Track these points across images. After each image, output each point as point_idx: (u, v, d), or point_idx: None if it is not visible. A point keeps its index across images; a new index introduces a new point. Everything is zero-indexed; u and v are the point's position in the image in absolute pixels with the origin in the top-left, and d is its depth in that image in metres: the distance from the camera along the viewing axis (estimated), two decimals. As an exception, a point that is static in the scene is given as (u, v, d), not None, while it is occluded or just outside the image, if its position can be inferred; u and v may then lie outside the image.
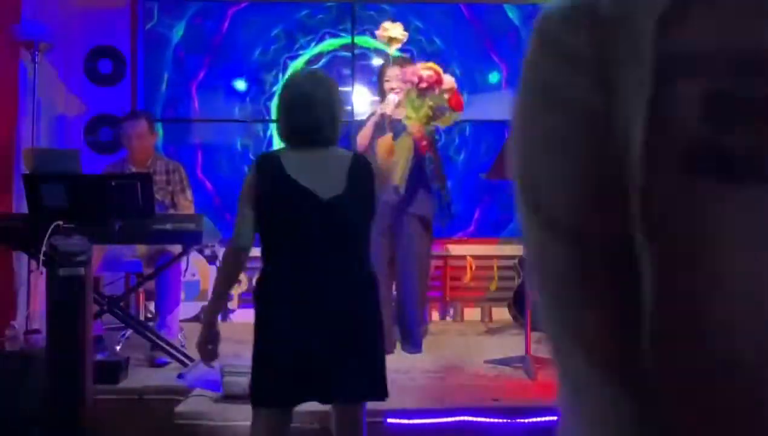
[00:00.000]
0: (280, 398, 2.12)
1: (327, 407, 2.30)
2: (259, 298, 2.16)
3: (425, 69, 3.68)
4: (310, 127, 2.13)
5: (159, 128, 5.56)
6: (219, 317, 2.34)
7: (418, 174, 4.02)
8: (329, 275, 2.09)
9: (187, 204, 4.21)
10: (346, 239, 2.13)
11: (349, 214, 2.12)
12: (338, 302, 2.09)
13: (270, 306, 2.12)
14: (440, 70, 3.75)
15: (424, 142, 3.89)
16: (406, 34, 3.91)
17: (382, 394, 2.17)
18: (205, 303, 5.35)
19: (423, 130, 3.79)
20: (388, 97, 3.92)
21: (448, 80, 3.75)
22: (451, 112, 3.77)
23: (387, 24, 3.87)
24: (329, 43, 5.66)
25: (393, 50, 3.98)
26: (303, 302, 2.07)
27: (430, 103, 3.68)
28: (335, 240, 2.11)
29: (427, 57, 5.63)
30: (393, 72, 3.96)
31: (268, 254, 2.14)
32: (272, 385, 2.10)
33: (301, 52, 5.67)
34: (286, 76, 2.29)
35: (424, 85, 3.62)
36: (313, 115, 2.12)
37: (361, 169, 2.17)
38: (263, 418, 2.15)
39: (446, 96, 3.71)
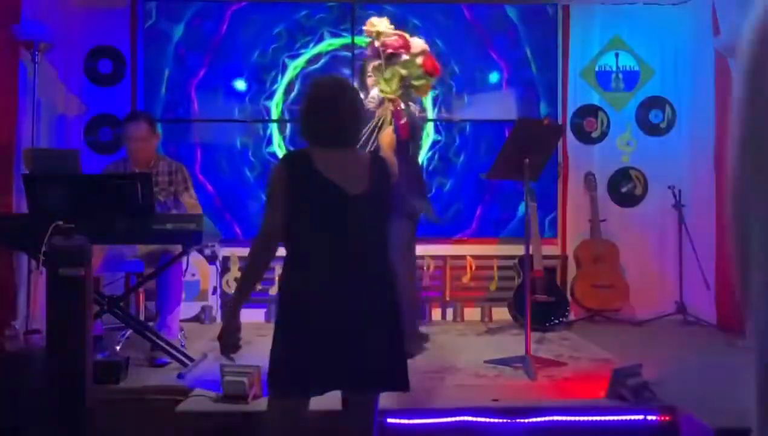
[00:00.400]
0: (306, 387, 2.15)
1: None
2: (285, 289, 2.20)
3: (388, 36, 3.56)
4: (336, 129, 2.25)
5: (159, 129, 5.57)
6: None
7: (398, 164, 3.89)
8: (356, 267, 2.18)
9: (192, 202, 4.20)
10: (370, 233, 2.23)
11: (374, 210, 2.24)
12: (364, 294, 2.17)
13: (298, 297, 2.16)
14: (406, 35, 3.61)
15: (403, 121, 3.67)
16: (392, 27, 3.79)
17: (404, 385, 2.23)
18: (206, 303, 5.39)
19: (400, 104, 3.60)
20: (372, 92, 3.88)
21: (417, 43, 3.60)
22: (427, 76, 3.61)
23: (374, 19, 3.76)
24: (329, 43, 5.66)
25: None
26: (331, 294, 2.14)
27: (402, 71, 3.54)
28: (361, 234, 2.20)
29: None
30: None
31: (295, 246, 2.20)
32: (297, 374, 2.12)
33: (301, 51, 5.67)
34: (312, 82, 2.36)
35: (389, 51, 3.50)
36: (339, 118, 2.24)
37: (380, 168, 2.30)
38: (284, 408, 2.19)
39: (419, 61, 3.57)
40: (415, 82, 3.61)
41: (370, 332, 2.15)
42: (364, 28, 3.82)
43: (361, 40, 5.61)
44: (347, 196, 2.17)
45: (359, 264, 2.18)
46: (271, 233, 2.19)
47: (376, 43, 3.60)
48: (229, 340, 2.22)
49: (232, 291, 5.44)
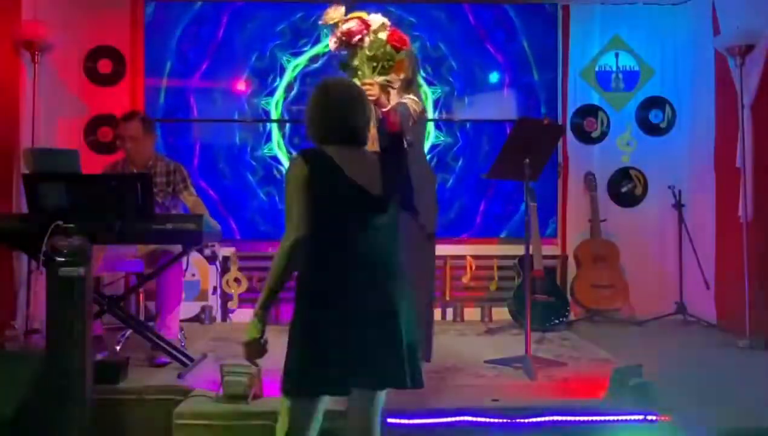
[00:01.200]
0: (331, 386, 2.14)
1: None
2: (307, 288, 2.17)
3: (345, 23, 3.44)
4: (351, 128, 2.27)
5: (158, 129, 5.57)
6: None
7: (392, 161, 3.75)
8: (378, 267, 2.19)
9: (192, 199, 4.19)
10: (390, 233, 2.26)
11: (391, 210, 2.27)
12: (385, 293, 2.18)
13: (321, 297, 2.15)
14: (364, 15, 3.47)
15: (386, 108, 3.50)
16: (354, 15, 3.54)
17: (420, 382, 2.24)
18: (206, 303, 5.39)
19: (381, 93, 3.46)
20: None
21: (376, 19, 3.47)
22: (396, 51, 3.46)
23: (330, 10, 3.56)
24: (329, 43, 5.65)
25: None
26: (354, 294, 2.14)
27: (369, 53, 3.42)
28: (383, 234, 2.23)
29: (428, 55, 5.64)
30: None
31: (317, 245, 2.17)
32: (322, 374, 2.11)
33: (301, 51, 5.68)
34: (322, 82, 2.34)
35: (354, 39, 3.41)
36: (354, 117, 2.27)
37: (388, 168, 2.31)
38: (302, 409, 2.18)
39: (383, 36, 3.44)
40: (387, 63, 3.46)
41: (392, 330, 2.16)
42: (323, 20, 3.58)
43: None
44: (369, 197, 2.19)
45: (379, 264, 2.19)
46: (301, 234, 2.14)
47: (338, 33, 3.48)
48: (255, 345, 2.17)
49: (230, 290, 5.44)
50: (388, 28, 3.48)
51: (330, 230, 2.17)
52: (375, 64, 3.45)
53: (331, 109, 2.27)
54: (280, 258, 2.14)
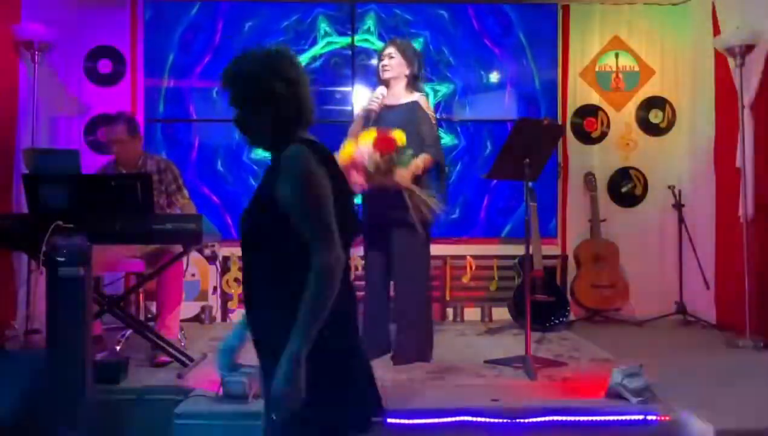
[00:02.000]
0: (374, 415, 1.87)
1: None
2: (338, 314, 1.73)
3: (346, 162, 3.58)
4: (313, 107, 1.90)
5: (158, 128, 5.58)
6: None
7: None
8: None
9: (186, 202, 4.19)
10: None
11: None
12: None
13: (350, 321, 1.85)
14: (348, 152, 3.62)
15: (427, 165, 3.85)
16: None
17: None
18: (206, 303, 5.38)
19: (399, 172, 3.65)
20: (377, 90, 4.00)
21: (359, 152, 3.61)
22: (386, 154, 3.61)
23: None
24: (329, 42, 5.66)
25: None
26: (357, 315, 1.93)
27: (372, 170, 3.60)
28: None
29: (428, 56, 5.63)
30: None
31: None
32: (374, 401, 1.86)
33: (300, 51, 5.67)
34: (275, 50, 1.81)
35: (362, 167, 3.59)
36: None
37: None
38: None
39: (372, 154, 3.60)
40: (388, 163, 3.64)
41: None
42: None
43: (361, 40, 5.63)
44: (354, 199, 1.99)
45: None
46: (342, 254, 1.73)
47: (356, 176, 3.63)
48: (294, 399, 1.65)
49: (230, 290, 5.44)
50: (371, 145, 3.61)
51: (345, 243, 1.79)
52: (382, 170, 3.62)
53: (304, 83, 1.83)
54: (334, 283, 1.69)
